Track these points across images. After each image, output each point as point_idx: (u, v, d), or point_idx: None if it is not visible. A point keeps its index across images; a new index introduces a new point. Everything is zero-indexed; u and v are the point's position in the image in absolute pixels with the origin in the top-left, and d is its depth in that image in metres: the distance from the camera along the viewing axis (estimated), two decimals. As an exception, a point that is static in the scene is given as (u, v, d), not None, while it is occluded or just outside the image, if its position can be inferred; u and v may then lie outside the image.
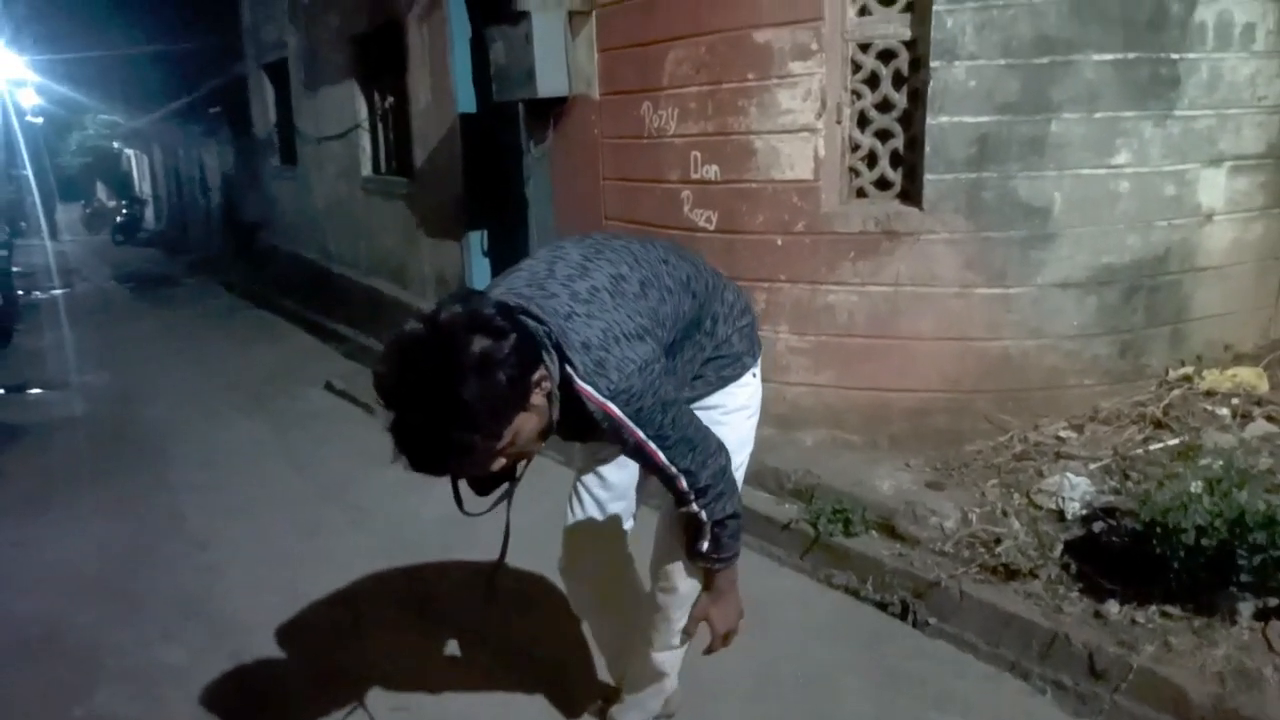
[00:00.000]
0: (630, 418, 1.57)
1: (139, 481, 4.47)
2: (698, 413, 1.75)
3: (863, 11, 3.48)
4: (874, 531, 3.14)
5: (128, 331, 9.10)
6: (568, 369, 1.55)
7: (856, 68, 3.52)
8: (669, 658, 2.18)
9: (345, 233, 8.69)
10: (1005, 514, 2.99)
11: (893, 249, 3.47)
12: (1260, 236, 3.64)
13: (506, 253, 5.69)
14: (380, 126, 7.86)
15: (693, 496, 1.70)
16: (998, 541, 2.86)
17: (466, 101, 6.02)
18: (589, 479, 2.10)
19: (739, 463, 1.94)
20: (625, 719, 2.30)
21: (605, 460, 2.08)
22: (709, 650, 1.96)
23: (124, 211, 22.46)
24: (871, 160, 3.58)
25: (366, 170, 8.04)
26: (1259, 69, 3.41)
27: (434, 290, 6.65)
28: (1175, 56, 3.28)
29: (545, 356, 1.52)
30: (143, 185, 25.94)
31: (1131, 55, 3.23)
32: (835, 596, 3.04)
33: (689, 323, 1.79)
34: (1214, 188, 3.46)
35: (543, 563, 2.90)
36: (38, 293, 12.19)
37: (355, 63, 7.82)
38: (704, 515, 1.73)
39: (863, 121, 3.56)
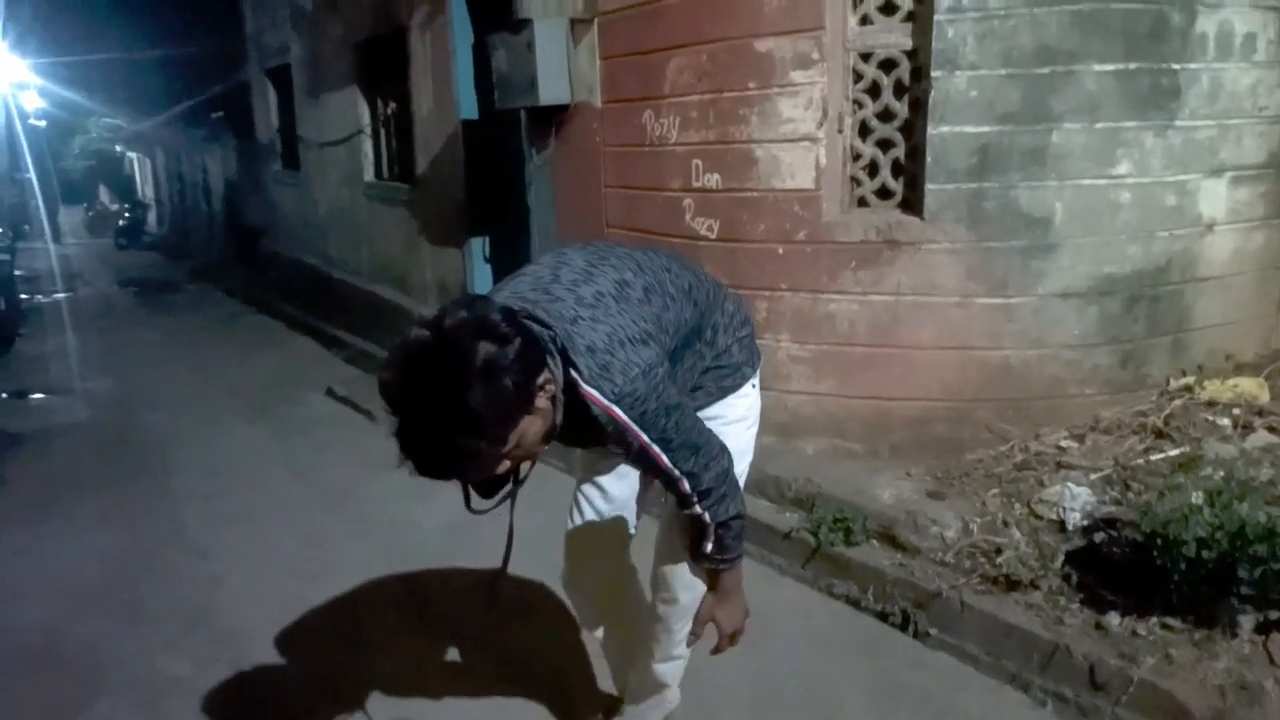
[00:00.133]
0: (635, 421, 1.58)
1: (141, 488, 4.48)
2: None
3: (864, 21, 3.49)
4: (875, 541, 3.14)
5: (130, 336, 9.12)
6: (572, 373, 1.56)
7: (858, 77, 3.53)
8: (670, 669, 2.18)
9: (347, 238, 8.71)
10: (1006, 524, 2.99)
11: (894, 258, 3.48)
12: (1261, 246, 3.64)
13: (508, 259, 5.70)
14: (383, 132, 7.87)
15: (696, 499, 1.71)
16: (998, 551, 2.86)
17: (468, 108, 6.03)
18: (589, 490, 2.11)
19: (739, 472, 1.94)
20: (626, 730, 2.30)
21: (604, 471, 2.09)
22: (716, 650, 1.96)
23: (126, 215, 22.51)
24: (873, 169, 3.58)
25: (369, 176, 8.05)
26: (1260, 79, 3.42)
27: (436, 296, 6.66)
28: (1176, 67, 3.28)
29: (549, 361, 1.52)
30: (145, 189, 25.99)
31: (1133, 66, 3.24)
32: (836, 606, 3.04)
33: (690, 331, 1.80)
34: (1215, 198, 3.46)
35: (544, 571, 2.92)
36: (40, 297, 12.22)
37: (358, 69, 7.83)
38: (707, 517, 1.74)
39: (864, 131, 3.57)
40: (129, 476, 4.67)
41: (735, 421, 1.97)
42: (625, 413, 1.56)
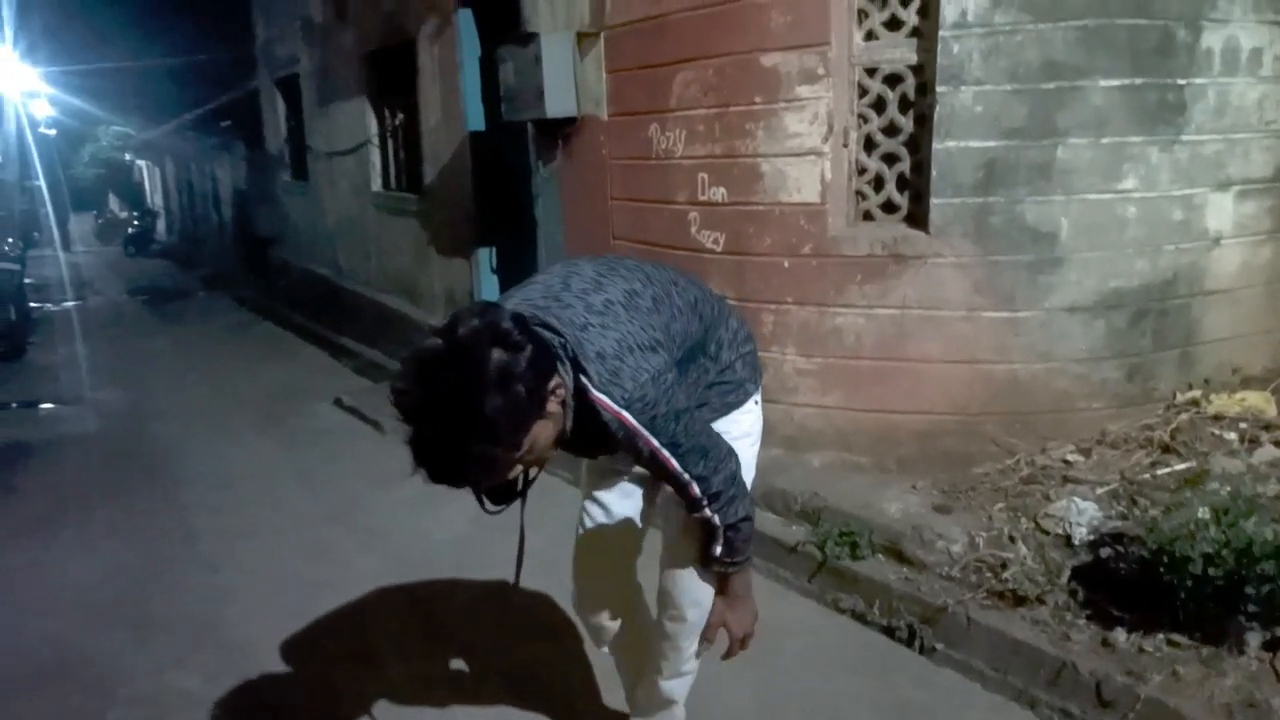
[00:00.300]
0: (645, 426, 1.59)
1: (150, 500, 4.50)
2: None
3: (869, 36, 3.50)
4: (881, 555, 3.14)
5: (140, 345, 9.17)
6: (583, 379, 1.57)
7: (863, 92, 3.54)
8: (678, 685, 2.18)
9: (356, 248, 8.74)
10: (1012, 539, 2.98)
11: (900, 272, 3.48)
12: (1269, 260, 3.63)
13: (515, 270, 5.71)
14: (391, 143, 7.91)
15: (705, 502, 1.72)
16: (1005, 566, 2.86)
17: (476, 120, 6.06)
18: (594, 508, 2.12)
19: (744, 486, 1.96)
20: (633, 746, 2.30)
21: (609, 489, 2.10)
22: (727, 655, 1.97)
23: (136, 223, 22.65)
24: (878, 184, 3.59)
25: (377, 186, 8.09)
26: (1266, 94, 3.42)
27: (444, 306, 6.68)
28: (1182, 82, 3.28)
29: (560, 367, 1.54)
30: (154, 197, 26.14)
31: (1139, 81, 3.24)
32: (842, 621, 3.04)
33: (695, 344, 1.82)
34: (1222, 212, 3.46)
35: (551, 586, 2.94)
36: (50, 305, 12.29)
37: (366, 80, 7.88)
38: (717, 520, 1.75)
39: (869, 145, 3.58)
40: (138, 487, 4.69)
41: (739, 438, 1.98)
42: (635, 418, 1.58)
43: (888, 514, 3.24)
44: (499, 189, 5.96)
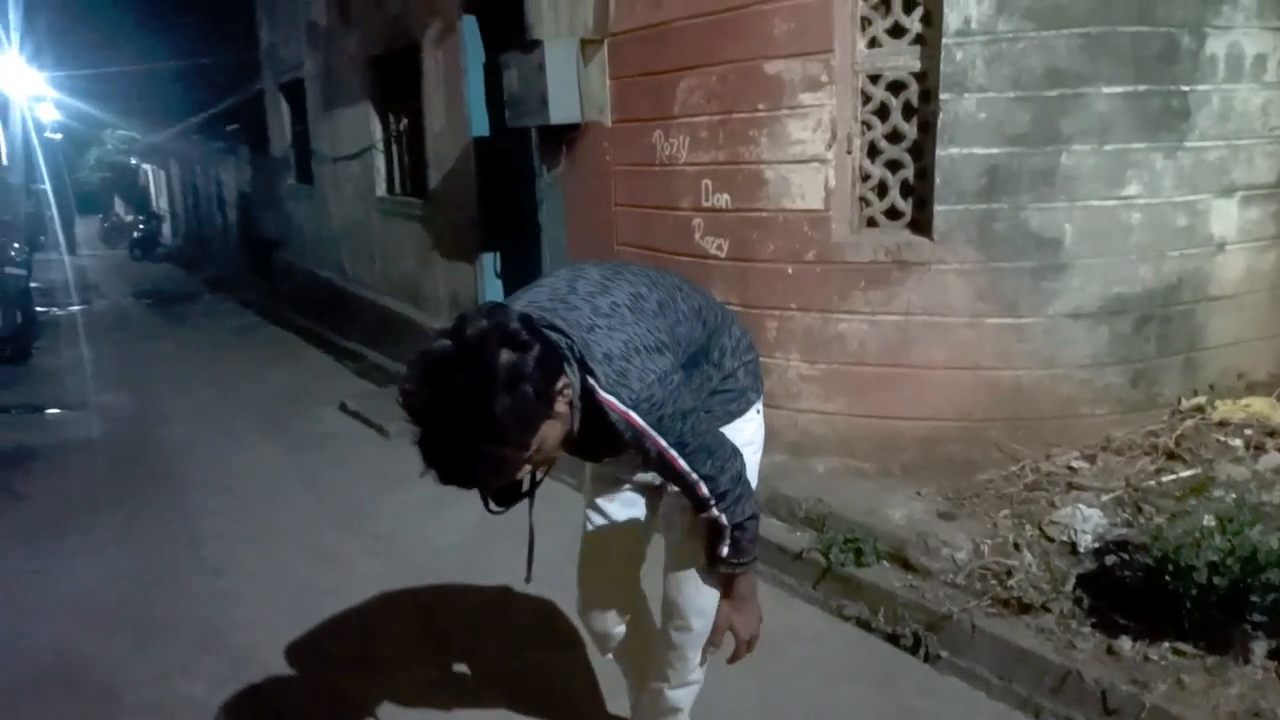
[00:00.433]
0: (652, 426, 1.60)
1: (156, 505, 4.51)
2: None
3: (873, 44, 3.51)
4: (886, 562, 3.14)
5: (145, 349, 9.19)
6: (590, 380, 1.58)
7: (866, 99, 3.55)
8: (685, 694, 2.18)
9: (360, 252, 8.76)
10: (1017, 546, 2.98)
11: (904, 278, 3.49)
12: (1273, 265, 3.63)
13: (519, 275, 5.72)
14: (395, 148, 7.92)
15: (713, 501, 1.73)
16: (1010, 574, 2.86)
17: (480, 125, 6.07)
18: (597, 517, 2.13)
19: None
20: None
21: (613, 497, 2.11)
22: (733, 659, 1.98)
23: (141, 227, 22.67)
24: (882, 190, 3.60)
25: (381, 191, 8.10)
26: (1270, 100, 3.42)
27: (448, 310, 6.70)
28: (1186, 88, 3.29)
29: (567, 367, 1.55)
30: (160, 201, 26.21)
31: (1142, 88, 3.25)
32: (846, 629, 3.04)
33: (698, 350, 1.83)
34: (1226, 218, 3.46)
35: (555, 592, 2.94)
36: (56, 309, 12.30)
37: (371, 84, 7.89)
38: (724, 519, 1.75)
39: (873, 152, 3.59)
40: (144, 492, 4.70)
41: (742, 446, 1.96)
42: (643, 418, 1.59)
43: (892, 520, 3.23)
44: (503, 194, 5.98)
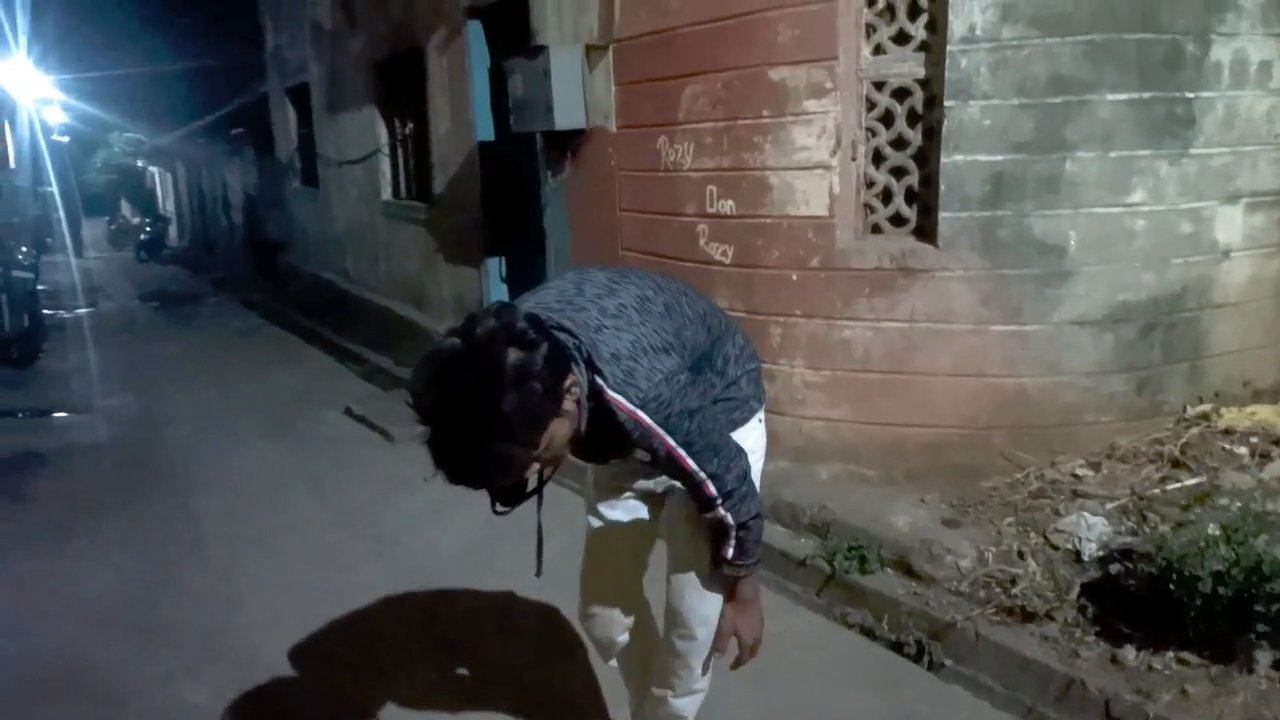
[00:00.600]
0: (660, 425, 1.61)
1: (161, 507, 4.52)
2: None
3: (877, 50, 3.51)
4: (890, 569, 3.14)
5: (151, 351, 9.20)
6: (598, 380, 1.59)
7: (871, 105, 3.55)
8: (690, 703, 2.18)
9: (365, 255, 8.79)
10: (1021, 554, 2.98)
11: (908, 285, 3.49)
12: (1278, 272, 3.63)
13: (524, 280, 5.74)
14: (400, 152, 7.95)
15: (719, 500, 1.73)
16: (1014, 582, 2.85)
17: (485, 130, 6.09)
18: (599, 525, 2.13)
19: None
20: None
21: (614, 504, 2.11)
22: (737, 664, 1.98)
23: (148, 229, 22.73)
24: (886, 197, 3.60)
25: (386, 194, 8.13)
26: (1275, 106, 3.42)
27: (452, 314, 6.71)
28: (1191, 95, 3.29)
29: (574, 367, 1.56)
30: (166, 203, 26.30)
31: (1147, 95, 3.25)
32: (850, 636, 3.04)
33: (701, 356, 1.84)
34: (1231, 224, 3.46)
35: (558, 597, 2.94)
36: (63, 312, 12.32)
37: (376, 88, 7.92)
38: (730, 518, 1.76)
39: (878, 158, 3.59)
40: (149, 495, 4.71)
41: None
42: (650, 417, 1.60)
43: (896, 527, 3.23)
44: (508, 199, 5.99)
